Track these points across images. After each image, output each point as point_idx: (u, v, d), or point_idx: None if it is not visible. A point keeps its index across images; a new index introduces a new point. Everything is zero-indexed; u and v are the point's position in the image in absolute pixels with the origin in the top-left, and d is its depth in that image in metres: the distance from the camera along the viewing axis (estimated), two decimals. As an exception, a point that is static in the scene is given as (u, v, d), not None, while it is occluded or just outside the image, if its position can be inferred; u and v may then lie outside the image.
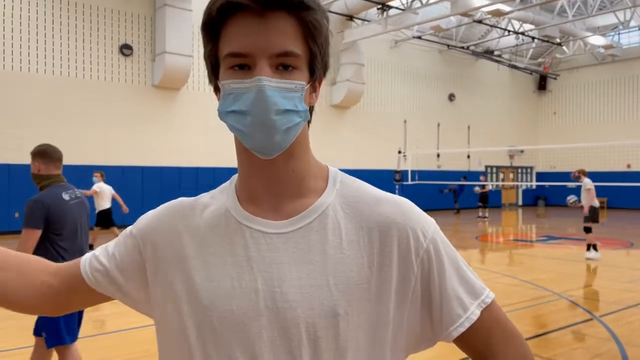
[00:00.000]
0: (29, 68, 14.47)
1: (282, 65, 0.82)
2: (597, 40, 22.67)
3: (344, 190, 0.92)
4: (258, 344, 0.82)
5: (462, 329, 0.89)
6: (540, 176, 28.56)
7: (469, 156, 25.16)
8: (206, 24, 0.84)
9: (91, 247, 11.12)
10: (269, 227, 0.87)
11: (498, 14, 17.50)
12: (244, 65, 0.82)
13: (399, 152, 21.87)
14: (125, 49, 15.90)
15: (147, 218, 0.97)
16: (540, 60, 26.69)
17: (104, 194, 11.02)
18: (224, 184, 0.97)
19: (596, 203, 10.60)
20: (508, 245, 13.60)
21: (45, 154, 3.51)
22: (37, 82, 14.50)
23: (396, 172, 20.81)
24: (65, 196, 3.50)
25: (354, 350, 0.84)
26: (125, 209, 11.16)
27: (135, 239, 0.94)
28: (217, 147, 16.59)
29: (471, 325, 0.89)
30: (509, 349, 0.92)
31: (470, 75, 25.73)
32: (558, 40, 22.80)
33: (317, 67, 0.86)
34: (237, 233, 0.88)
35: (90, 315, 6.21)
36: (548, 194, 27.85)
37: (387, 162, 21.68)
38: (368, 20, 19.68)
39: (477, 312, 0.90)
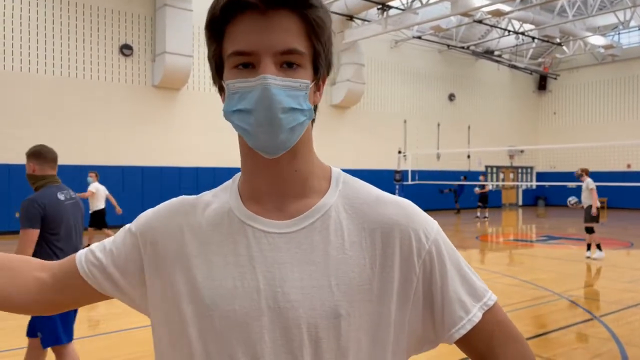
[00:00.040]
0: (29, 68, 14.47)
1: (287, 63, 0.82)
2: (597, 40, 22.67)
3: (346, 191, 0.92)
4: (259, 344, 0.82)
5: (463, 331, 0.89)
6: (540, 176, 28.56)
7: (469, 156, 25.15)
8: (210, 23, 0.84)
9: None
10: (272, 227, 0.87)
11: (498, 14, 17.50)
12: (248, 64, 0.82)
13: (399, 152, 21.87)
14: (126, 49, 15.90)
15: (148, 215, 0.96)
16: (540, 60, 26.69)
17: (99, 195, 11.00)
18: (226, 183, 0.97)
19: (597, 203, 10.60)
20: (508, 245, 13.59)
21: (40, 154, 3.52)
22: (37, 82, 14.51)
23: (396, 172, 20.81)
24: (61, 196, 3.51)
25: (356, 351, 0.84)
26: (118, 210, 11.15)
27: (135, 236, 0.93)
28: (217, 147, 16.62)
29: (473, 327, 0.89)
30: (510, 351, 0.92)
31: (470, 75, 25.73)
32: (558, 40, 22.80)
33: (321, 65, 0.86)
34: (239, 232, 0.88)
35: (90, 316, 6.22)
36: (548, 194, 27.85)
37: (387, 162, 21.68)
38: (368, 20, 19.69)
39: (479, 315, 0.90)
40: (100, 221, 11.01)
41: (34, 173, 3.51)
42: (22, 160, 3.79)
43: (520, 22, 21.10)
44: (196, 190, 1.01)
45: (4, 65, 14.10)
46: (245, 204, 0.90)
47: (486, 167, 26.51)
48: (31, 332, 3.51)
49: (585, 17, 19.58)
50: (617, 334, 5.49)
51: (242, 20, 0.81)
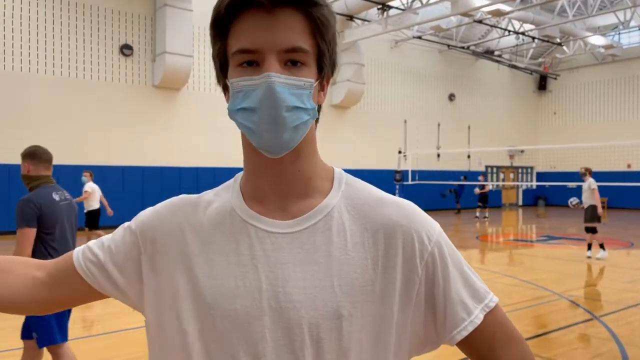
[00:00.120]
0: (29, 68, 14.47)
1: (291, 61, 0.82)
2: (597, 40, 22.67)
3: (349, 191, 0.92)
4: (261, 343, 0.82)
5: (465, 333, 0.89)
6: (541, 176, 28.56)
7: (469, 156, 25.15)
8: (215, 21, 0.85)
9: None
10: (275, 227, 0.87)
11: (498, 14, 17.50)
12: (253, 62, 0.82)
13: (399, 152, 21.87)
14: (126, 49, 15.90)
15: (148, 214, 0.95)
16: (540, 60, 26.69)
17: (94, 194, 10.99)
18: (227, 182, 0.96)
19: (600, 203, 10.59)
20: (508, 245, 13.59)
21: (34, 155, 3.54)
22: (37, 82, 14.51)
23: (396, 172, 20.81)
24: (56, 197, 3.53)
25: (357, 352, 0.84)
26: (109, 211, 11.15)
27: (134, 234, 0.93)
28: (217, 147, 16.62)
29: (475, 329, 0.89)
30: (511, 352, 0.92)
31: (470, 75, 25.73)
32: (558, 40, 22.80)
33: (325, 65, 0.86)
34: (242, 232, 0.87)
35: (89, 316, 6.22)
36: (548, 194, 27.85)
37: (387, 162, 21.68)
38: (368, 20, 19.69)
39: (481, 316, 0.90)
40: (94, 221, 10.97)
41: (28, 173, 3.53)
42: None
43: (521, 22, 21.10)
44: (196, 190, 1.01)
45: (4, 65, 14.10)
46: (247, 203, 0.90)
47: (486, 167, 26.51)
48: (26, 334, 3.52)
49: (586, 17, 19.58)
50: (617, 334, 5.49)
51: (247, 18, 0.81)
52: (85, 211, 10.87)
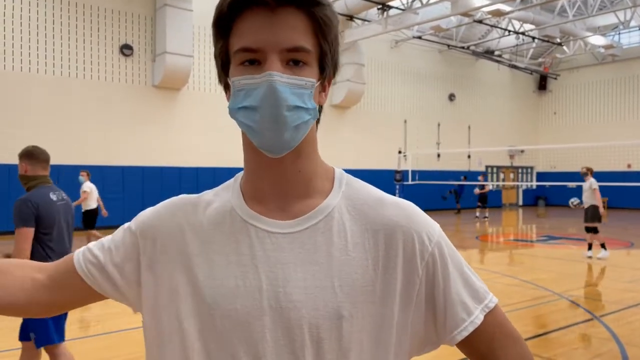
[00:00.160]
0: (29, 68, 14.47)
1: (293, 61, 0.81)
2: (597, 40, 22.67)
3: (349, 192, 0.92)
4: (261, 343, 0.81)
5: (465, 333, 0.89)
6: (541, 176, 28.56)
7: (469, 156, 25.15)
8: (217, 20, 0.84)
9: None
10: (275, 227, 0.87)
11: (498, 14, 17.50)
12: (254, 61, 0.81)
13: (399, 152, 21.86)
14: (126, 49, 15.90)
15: (148, 214, 0.95)
16: (540, 60, 26.69)
17: (92, 194, 10.98)
18: (228, 182, 0.96)
19: (601, 203, 10.59)
20: (508, 245, 13.59)
21: (32, 155, 3.55)
22: (37, 82, 14.51)
23: (396, 172, 20.81)
24: (53, 197, 3.53)
25: (357, 352, 0.84)
26: (104, 212, 11.14)
27: (134, 234, 0.92)
28: (217, 147, 16.62)
29: (475, 329, 0.89)
30: (511, 353, 0.93)
31: (470, 75, 25.73)
32: (558, 40, 22.80)
33: (327, 65, 0.86)
34: (242, 232, 0.87)
35: (89, 316, 6.22)
36: (548, 194, 27.84)
37: (387, 162, 21.68)
38: (368, 20, 19.69)
39: (481, 317, 0.90)
40: (91, 221, 10.96)
41: (25, 173, 3.54)
42: (20, 160, 3.80)
43: (521, 22, 21.10)
44: (196, 190, 1.01)
45: (4, 65, 14.10)
46: (247, 203, 0.90)
47: (486, 167, 26.50)
48: (24, 335, 3.53)
49: (586, 17, 19.58)
50: (617, 334, 5.49)
51: (249, 17, 0.81)
52: (82, 210, 10.86)
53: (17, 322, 3.60)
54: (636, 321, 6.09)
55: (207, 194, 0.95)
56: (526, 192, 29.00)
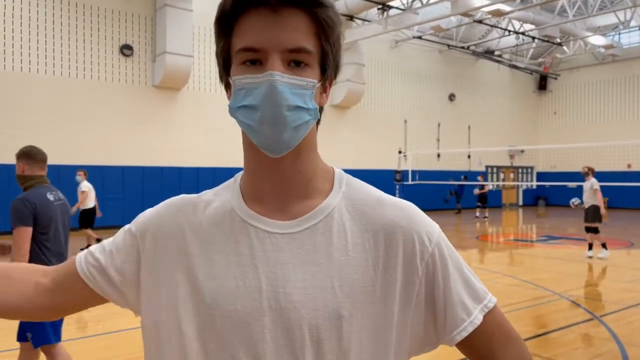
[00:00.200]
0: (29, 68, 14.47)
1: (294, 62, 0.81)
2: (597, 40, 22.67)
3: (349, 192, 0.92)
4: (261, 344, 0.81)
5: (465, 333, 0.89)
6: (541, 176, 28.56)
7: (469, 156, 25.15)
8: (220, 19, 0.84)
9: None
10: (275, 227, 0.87)
11: (498, 14, 17.49)
12: (256, 61, 0.81)
13: (400, 152, 21.86)
14: (126, 49, 15.90)
15: (147, 215, 0.95)
16: (540, 60, 26.68)
17: (90, 193, 11.00)
18: (227, 181, 0.96)
19: (602, 203, 10.58)
20: (508, 245, 13.59)
21: (29, 155, 3.57)
22: (37, 82, 14.50)
23: (397, 172, 20.81)
24: (50, 197, 3.55)
25: (357, 353, 0.84)
26: (99, 213, 11.15)
27: (135, 236, 0.93)
28: (217, 147, 16.62)
29: (474, 329, 0.90)
30: (510, 353, 0.93)
31: (470, 75, 25.73)
32: (558, 40, 22.79)
33: (328, 66, 0.86)
34: (242, 232, 0.87)
35: (88, 316, 6.22)
36: (548, 194, 27.84)
37: (387, 162, 21.68)
38: (368, 20, 19.68)
39: (480, 317, 0.90)
40: (88, 220, 10.96)
41: (23, 173, 3.56)
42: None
43: (521, 22, 21.10)
44: (196, 190, 1.01)
45: (4, 65, 14.10)
46: (247, 203, 0.90)
47: (486, 167, 26.50)
48: (21, 335, 3.53)
49: (586, 17, 19.58)
50: (617, 334, 5.49)
51: (252, 17, 0.81)
52: (80, 210, 10.88)
53: (17, 322, 3.60)
54: (636, 321, 6.09)
55: (207, 194, 0.95)
56: (526, 192, 29.00)
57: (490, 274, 8.88)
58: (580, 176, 10.98)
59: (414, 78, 23.56)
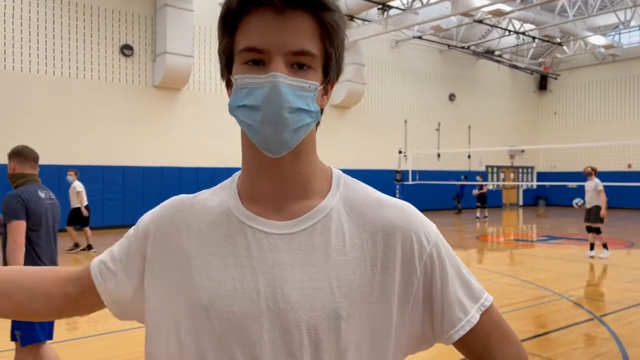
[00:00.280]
0: (29, 68, 14.46)
1: (297, 64, 0.81)
2: (597, 40, 22.66)
3: (347, 192, 0.91)
4: (259, 345, 0.81)
5: (462, 332, 0.89)
6: (541, 176, 28.56)
7: (469, 156, 25.15)
8: (224, 17, 0.84)
9: (89, 247, 11.10)
10: (272, 228, 0.86)
11: (498, 13, 17.49)
12: (259, 61, 0.81)
13: (400, 152, 21.86)
14: (126, 50, 15.89)
15: (147, 217, 0.96)
16: (540, 60, 26.68)
17: (83, 192, 11.08)
18: (225, 181, 0.96)
19: (605, 204, 10.56)
20: (509, 245, 13.59)
21: (20, 154, 3.59)
22: (38, 82, 14.50)
23: (397, 172, 20.81)
24: (41, 194, 3.57)
25: (355, 353, 0.84)
26: (85, 212, 11.17)
27: (137, 240, 0.93)
28: (217, 147, 16.62)
29: (471, 328, 0.90)
30: (506, 352, 0.93)
31: (470, 75, 25.72)
32: (558, 40, 22.79)
33: (331, 69, 0.86)
34: (239, 233, 0.87)
35: (89, 315, 6.21)
36: (549, 194, 27.83)
37: (387, 162, 21.68)
38: (368, 20, 19.68)
39: (477, 316, 0.90)
40: (76, 219, 11.00)
41: (14, 172, 3.57)
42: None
43: (521, 22, 21.10)
44: (197, 190, 1.01)
45: (4, 65, 14.10)
46: (244, 204, 0.90)
47: (487, 167, 26.50)
48: (14, 335, 3.52)
49: (586, 17, 19.58)
50: (617, 334, 5.48)
51: (257, 17, 0.81)
52: (72, 207, 10.94)
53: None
54: (636, 321, 6.09)
55: (204, 193, 0.95)
56: (526, 192, 28.99)
57: (490, 274, 8.88)
58: (580, 176, 10.96)
59: (414, 78, 23.56)
